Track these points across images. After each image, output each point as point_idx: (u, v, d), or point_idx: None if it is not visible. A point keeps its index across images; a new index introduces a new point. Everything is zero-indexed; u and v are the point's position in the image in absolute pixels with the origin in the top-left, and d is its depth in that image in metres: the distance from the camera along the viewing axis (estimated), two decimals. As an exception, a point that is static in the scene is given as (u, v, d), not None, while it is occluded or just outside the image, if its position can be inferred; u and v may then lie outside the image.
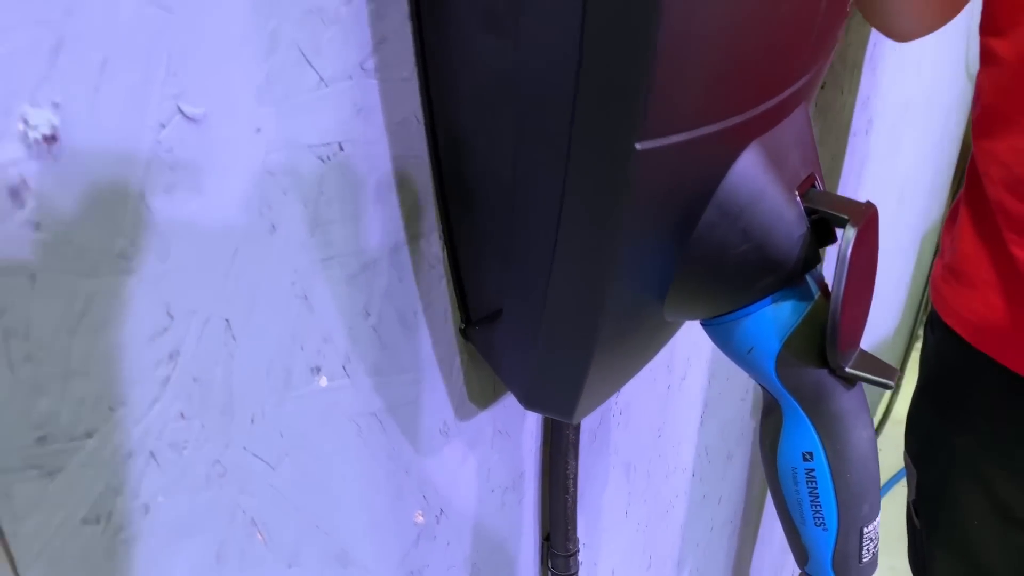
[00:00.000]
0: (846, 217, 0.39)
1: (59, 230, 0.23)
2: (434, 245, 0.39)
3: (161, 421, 0.28)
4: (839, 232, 0.39)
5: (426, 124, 0.36)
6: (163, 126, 0.26)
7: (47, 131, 0.22)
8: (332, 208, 0.33)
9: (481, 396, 0.46)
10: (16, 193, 0.22)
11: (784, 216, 0.38)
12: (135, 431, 0.27)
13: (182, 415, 0.29)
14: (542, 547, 0.59)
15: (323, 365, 0.35)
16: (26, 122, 0.22)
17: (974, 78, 0.72)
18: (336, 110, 0.31)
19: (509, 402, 0.49)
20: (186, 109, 0.26)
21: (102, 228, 0.25)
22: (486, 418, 0.48)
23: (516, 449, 0.52)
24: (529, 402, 0.41)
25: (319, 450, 0.35)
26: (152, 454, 0.28)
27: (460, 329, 0.43)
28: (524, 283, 0.36)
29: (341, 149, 0.32)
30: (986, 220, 0.71)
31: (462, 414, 0.45)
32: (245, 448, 0.32)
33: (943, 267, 0.80)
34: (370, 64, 0.32)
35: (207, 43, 0.26)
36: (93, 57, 0.23)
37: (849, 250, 0.38)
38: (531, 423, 0.53)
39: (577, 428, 0.54)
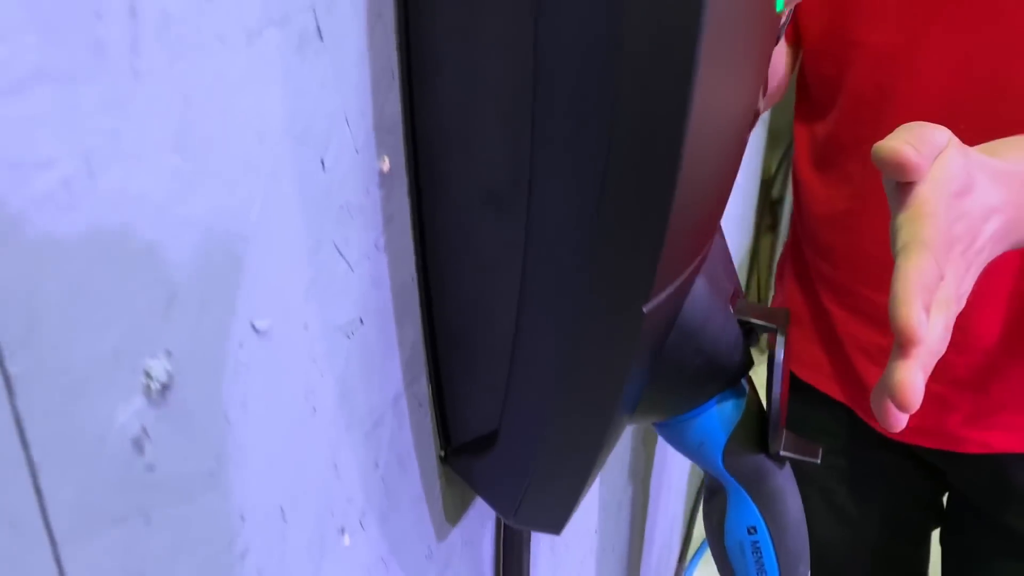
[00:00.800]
0: (774, 326, 0.45)
1: (169, 468, 0.24)
2: (423, 386, 0.41)
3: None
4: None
5: (419, 283, 0.38)
6: (241, 345, 0.27)
7: (164, 379, 0.23)
8: (355, 377, 0.34)
9: (454, 513, 0.49)
10: (138, 443, 0.23)
11: (727, 330, 0.44)
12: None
13: (250, 609, 0.29)
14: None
15: (346, 525, 0.36)
16: (148, 375, 0.23)
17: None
18: (359, 289, 0.33)
19: (472, 512, 0.52)
20: (258, 324, 0.27)
21: (198, 455, 0.25)
22: (457, 533, 0.50)
23: (479, 554, 0.54)
24: (518, 520, 0.44)
25: (344, 605, 0.37)
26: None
27: (440, 456, 0.45)
28: (519, 418, 0.39)
29: (361, 323, 0.34)
30: (804, 270, 0.83)
31: (441, 535, 0.47)
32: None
33: (779, 305, 0.91)
34: (381, 241, 0.34)
35: (274, 261, 0.28)
36: (196, 301, 0.24)
37: (781, 356, 0.44)
38: (489, 527, 0.55)
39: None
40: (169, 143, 0.22)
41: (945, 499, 0.90)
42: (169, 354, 0.24)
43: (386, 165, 0.34)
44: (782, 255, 0.91)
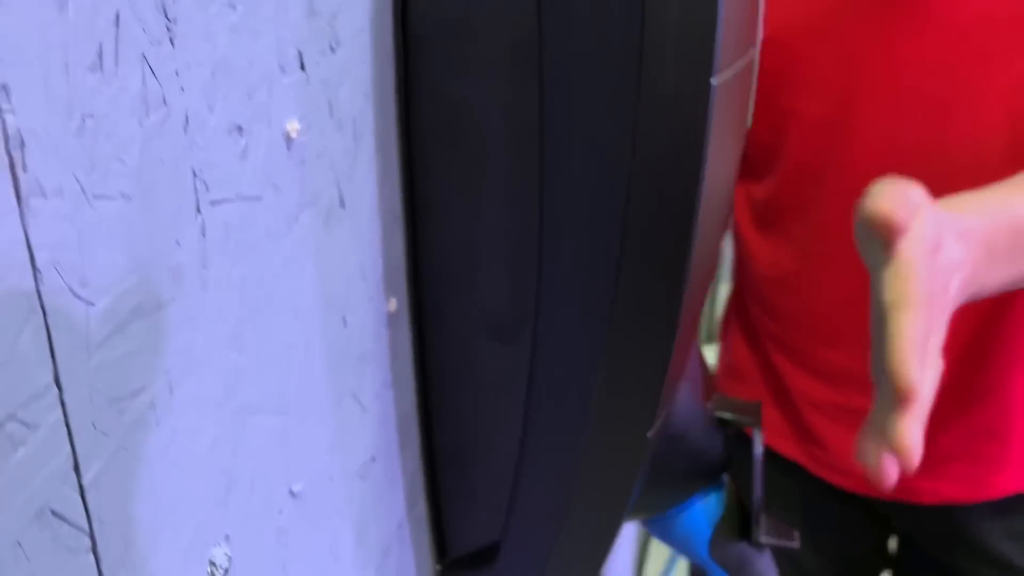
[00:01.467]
0: (749, 421, 0.47)
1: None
2: (422, 508, 0.42)
3: None
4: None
5: (419, 411, 0.39)
6: (281, 512, 0.27)
7: (225, 565, 0.24)
8: (368, 516, 0.35)
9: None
10: (203, 632, 0.23)
11: (708, 431, 0.46)
12: None
13: None
14: None
15: (363, 658, 0.36)
16: (212, 563, 0.23)
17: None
18: (371, 430, 0.34)
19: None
20: (294, 488, 0.28)
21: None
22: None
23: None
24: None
25: None
26: None
27: (438, 571, 0.45)
28: (524, 534, 0.40)
29: (373, 460, 0.35)
30: (751, 326, 0.87)
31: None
32: None
33: (724, 367, 0.95)
34: (389, 379, 0.36)
35: (306, 426, 0.29)
36: (248, 482, 0.25)
37: (760, 451, 0.47)
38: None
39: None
40: (228, 342, 0.23)
41: (895, 542, 0.94)
42: (228, 539, 0.24)
43: (393, 306, 0.35)
44: (726, 311, 0.94)
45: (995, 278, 0.45)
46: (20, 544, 0.17)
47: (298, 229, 0.26)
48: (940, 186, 0.75)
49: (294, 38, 0.25)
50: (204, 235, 0.21)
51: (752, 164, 0.82)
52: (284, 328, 0.26)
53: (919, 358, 0.34)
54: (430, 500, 0.43)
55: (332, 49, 0.27)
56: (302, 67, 0.25)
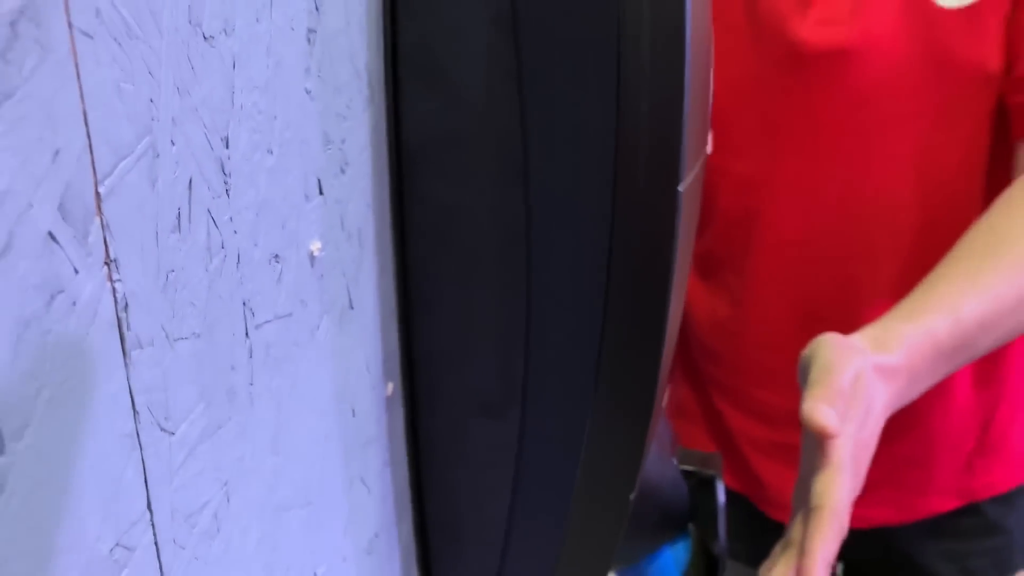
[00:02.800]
0: (712, 473, 0.51)
1: None
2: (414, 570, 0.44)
3: None
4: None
5: (412, 486, 0.42)
6: (308, 596, 0.30)
7: (269, 653, 0.26)
8: (373, 588, 0.37)
9: None
10: None
11: (675, 484, 0.49)
12: None
13: None
14: None
15: None
16: (258, 654, 0.26)
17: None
18: (376, 509, 0.37)
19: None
20: (318, 572, 0.30)
21: None
22: None
23: None
24: None
25: None
26: None
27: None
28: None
29: (377, 537, 0.37)
30: (693, 370, 0.91)
31: None
32: None
33: (672, 407, 0.99)
34: (388, 458, 0.38)
35: (325, 512, 0.31)
36: (283, 572, 0.27)
37: (723, 500, 0.50)
38: None
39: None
40: (269, 447, 0.26)
41: (840, 570, 0.99)
42: (270, 628, 0.26)
43: (390, 389, 0.38)
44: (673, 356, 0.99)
45: (919, 391, 0.52)
46: (123, 655, 0.19)
47: (319, 335, 0.29)
48: (857, 240, 0.82)
49: (315, 168, 0.28)
50: (251, 356, 0.24)
51: None
52: (309, 426, 0.29)
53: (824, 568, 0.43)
54: (423, 568, 0.45)
55: (343, 171, 0.30)
56: (320, 192, 0.28)
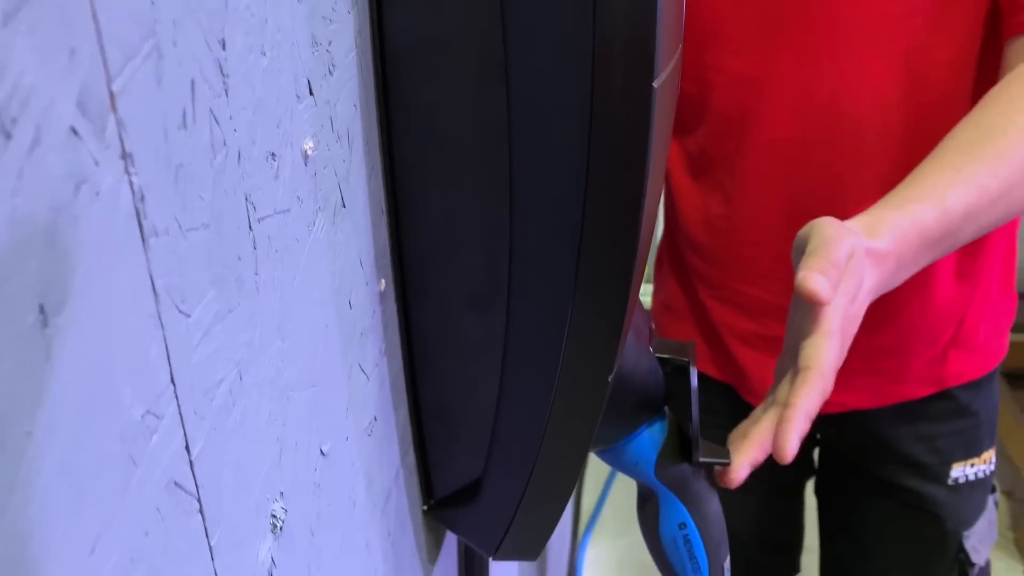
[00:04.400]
0: (686, 360, 0.54)
1: (287, 584, 0.30)
2: (411, 457, 0.47)
3: None
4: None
5: (407, 375, 0.44)
6: (316, 469, 0.32)
7: (283, 517, 0.29)
8: (374, 467, 0.40)
9: (430, 559, 0.55)
10: (270, 573, 0.28)
11: (651, 370, 0.52)
12: None
13: None
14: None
15: (375, 590, 0.42)
16: (274, 516, 0.28)
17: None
18: (374, 394, 0.39)
19: (444, 550, 0.58)
20: (324, 448, 0.33)
21: (301, 567, 0.31)
22: (437, 572, 0.56)
23: (451, 585, 0.61)
24: (499, 555, 0.51)
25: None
26: None
27: (424, 510, 0.51)
28: (504, 473, 0.46)
29: (375, 420, 0.40)
30: (682, 266, 0.94)
31: (428, 577, 0.54)
32: None
33: (659, 303, 1.02)
34: (384, 348, 0.40)
35: (329, 396, 0.33)
36: (292, 444, 0.30)
37: (695, 383, 0.53)
38: (453, 557, 0.62)
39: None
40: (275, 333, 0.28)
41: (816, 454, 1.04)
42: (283, 495, 0.29)
43: (383, 286, 0.40)
44: (659, 250, 1.02)
45: (903, 277, 0.55)
46: (159, 510, 0.21)
47: (315, 231, 0.31)
48: (847, 138, 0.84)
49: (305, 69, 0.29)
50: (255, 248, 0.26)
51: (684, 119, 0.88)
52: (310, 315, 0.31)
53: (805, 424, 0.47)
54: (418, 450, 0.48)
55: (330, 72, 0.31)
56: (311, 92, 0.30)
